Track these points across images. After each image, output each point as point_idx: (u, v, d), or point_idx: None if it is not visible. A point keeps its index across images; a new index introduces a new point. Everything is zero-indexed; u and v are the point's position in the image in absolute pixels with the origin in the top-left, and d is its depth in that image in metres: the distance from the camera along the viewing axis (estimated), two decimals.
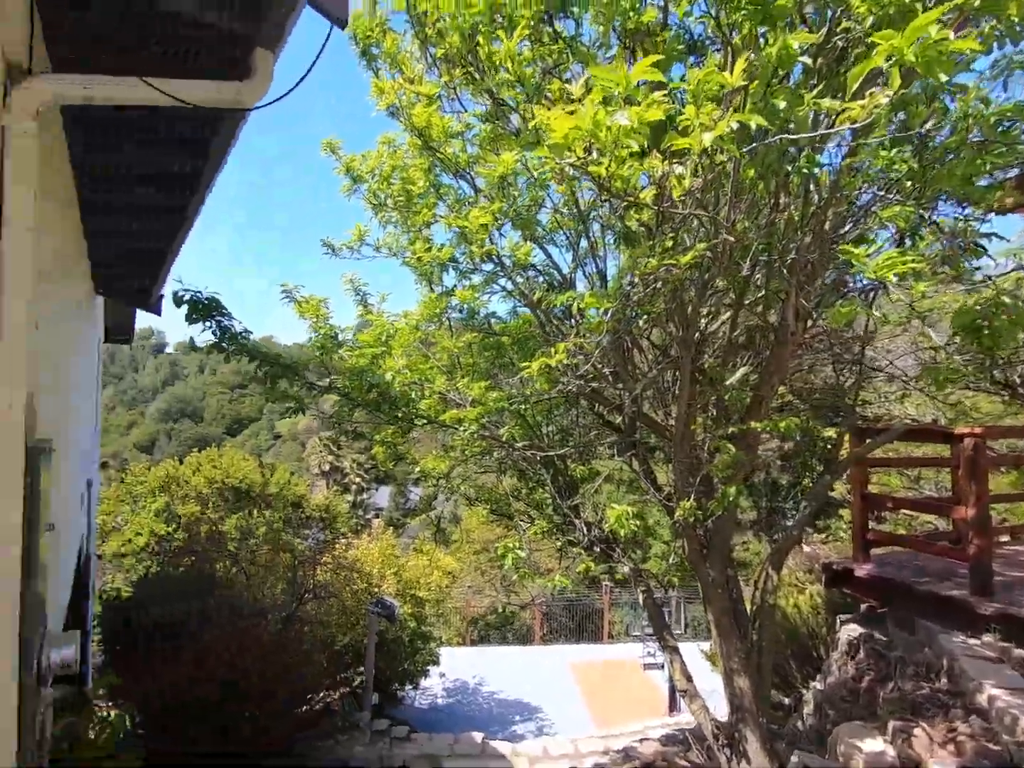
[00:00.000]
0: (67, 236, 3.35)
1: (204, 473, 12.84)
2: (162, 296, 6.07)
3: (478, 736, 8.28)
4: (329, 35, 1.79)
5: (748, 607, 4.09)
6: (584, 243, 4.02)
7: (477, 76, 2.79)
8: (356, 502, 32.58)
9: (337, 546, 10.95)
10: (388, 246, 4.07)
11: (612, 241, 3.97)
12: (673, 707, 9.57)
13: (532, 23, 2.37)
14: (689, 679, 4.04)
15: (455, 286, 4.49)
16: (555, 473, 4.47)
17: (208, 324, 3.40)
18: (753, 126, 1.66)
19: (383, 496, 37.20)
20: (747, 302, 3.37)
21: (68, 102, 1.77)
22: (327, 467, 33.18)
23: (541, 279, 4.12)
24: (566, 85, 2.45)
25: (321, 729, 7.77)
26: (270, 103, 2.03)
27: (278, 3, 1.79)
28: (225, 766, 5.13)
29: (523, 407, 4.17)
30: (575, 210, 3.60)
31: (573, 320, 3.82)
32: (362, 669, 9.09)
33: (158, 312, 6.39)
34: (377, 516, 33.56)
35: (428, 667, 10.69)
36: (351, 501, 30.11)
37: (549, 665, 12.73)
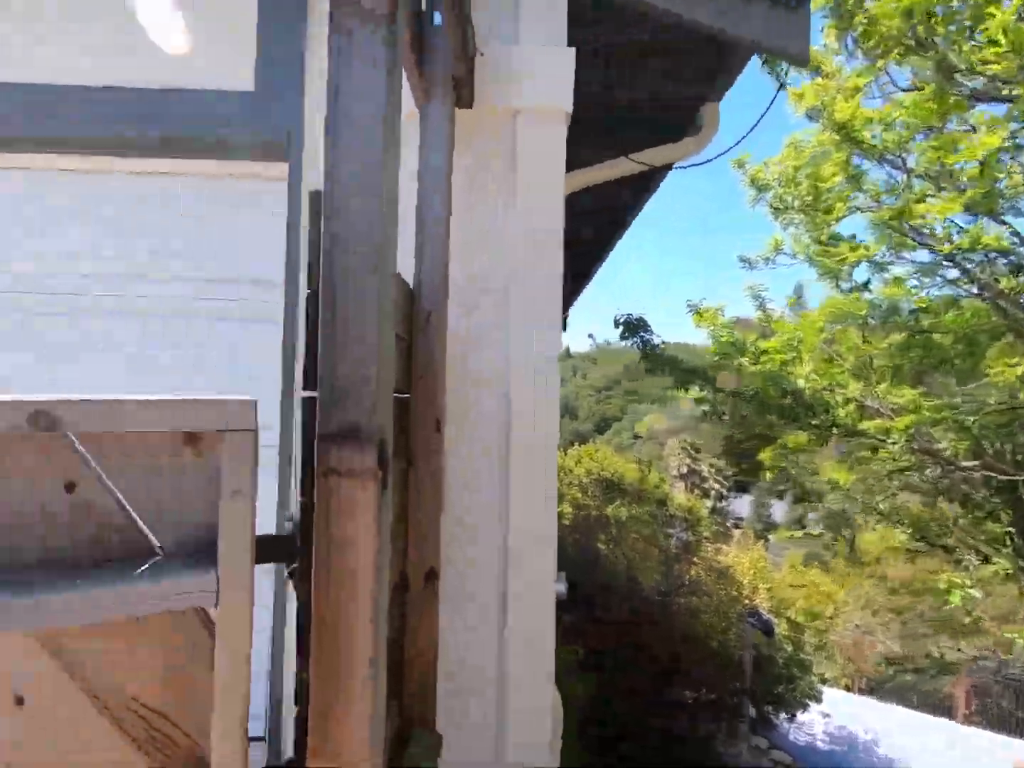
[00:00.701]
0: None
1: (584, 465, 14.86)
2: (568, 315, 7.39)
3: None
4: (786, 76, 1.96)
5: None
6: None
7: (922, 52, 2.52)
8: (714, 508, 32.00)
9: (705, 548, 11.09)
10: (801, 250, 4.00)
11: None
12: None
13: None
14: None
15: (867, 281, 4.07)
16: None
17: (635, 340, 4.07)
18: None
19: (742, 505, 35.43)
20: None
21: (581, 187, 2.45)
22: (685, 470, 33.65)
23: (1003, 262, 3.34)
24: None
25: (701, 722, 8.02)
26: (718, 156, 2.34)
27: (737, 66, 2.07)
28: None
29: (971, 419, 3.46)
30: None
31: None
32: (730, 676, 8.97)
33: (564, 328, 7.78)
34: (737, 525, 32.19)
35: (807, 701, 9.77)
36: (709, 506, 29.76)
37: (979, 753, 9.88)
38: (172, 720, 0.80)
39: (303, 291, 2.22)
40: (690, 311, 4.33)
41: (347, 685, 0.90)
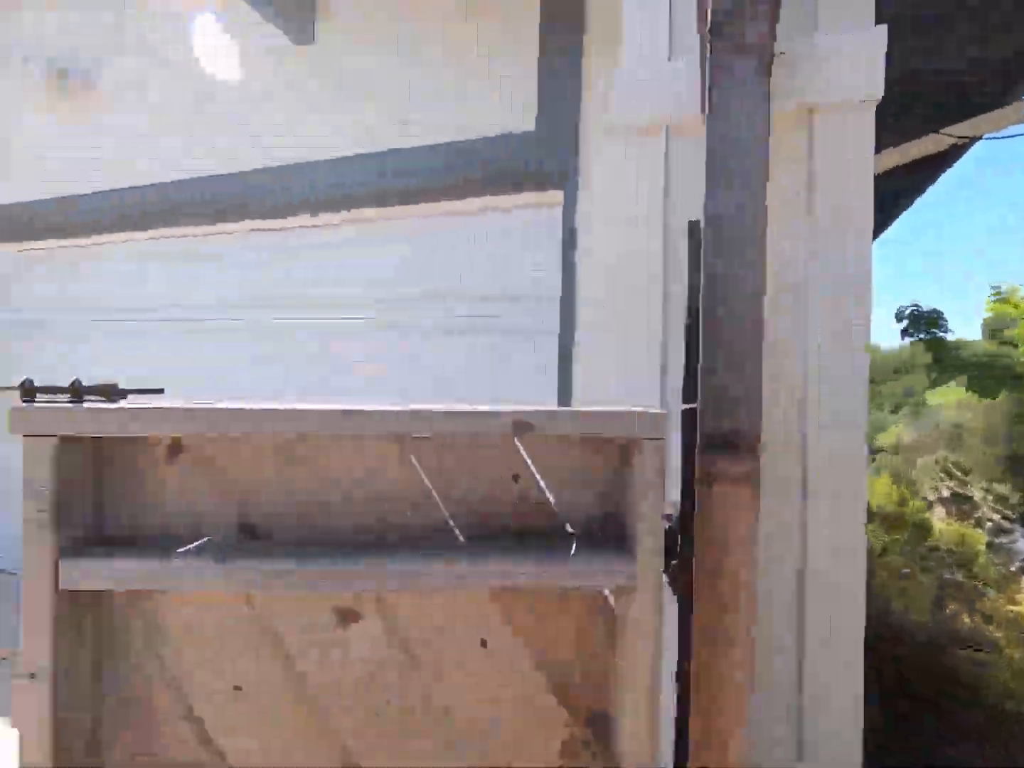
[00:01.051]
0: None
1: None
2: None
3: None
4: None
5: None
6: None
7: None
8: (990, 544, 25.51)
9: (985, 591, 8.96)
10: None
11: None
12: None
13: None
14: None
15: None
16: None
17: (920, 336, 3.49)
18: None
19: None
20: None
21: (882, 170, 2.22)
22: (946, 493, 27.55)
23: None
24: None
25: None
26: None
27: None
28: None
29: None
30: None
31: None
32: None
33: None
34: None
35: None
36: (987, 542, 23.83)
37: None
38: (580, 681, 0.95)
39: (578, 306, 2.41)
40: (996, 300, 3.55)
41: (725, 686, 0.96)
